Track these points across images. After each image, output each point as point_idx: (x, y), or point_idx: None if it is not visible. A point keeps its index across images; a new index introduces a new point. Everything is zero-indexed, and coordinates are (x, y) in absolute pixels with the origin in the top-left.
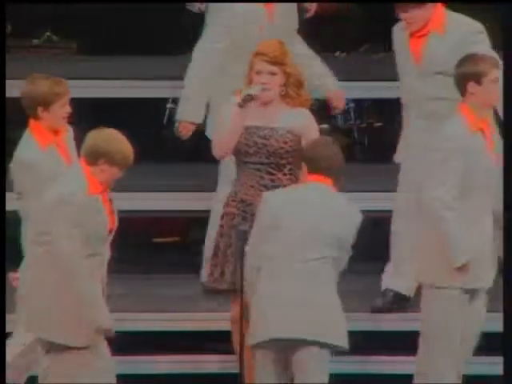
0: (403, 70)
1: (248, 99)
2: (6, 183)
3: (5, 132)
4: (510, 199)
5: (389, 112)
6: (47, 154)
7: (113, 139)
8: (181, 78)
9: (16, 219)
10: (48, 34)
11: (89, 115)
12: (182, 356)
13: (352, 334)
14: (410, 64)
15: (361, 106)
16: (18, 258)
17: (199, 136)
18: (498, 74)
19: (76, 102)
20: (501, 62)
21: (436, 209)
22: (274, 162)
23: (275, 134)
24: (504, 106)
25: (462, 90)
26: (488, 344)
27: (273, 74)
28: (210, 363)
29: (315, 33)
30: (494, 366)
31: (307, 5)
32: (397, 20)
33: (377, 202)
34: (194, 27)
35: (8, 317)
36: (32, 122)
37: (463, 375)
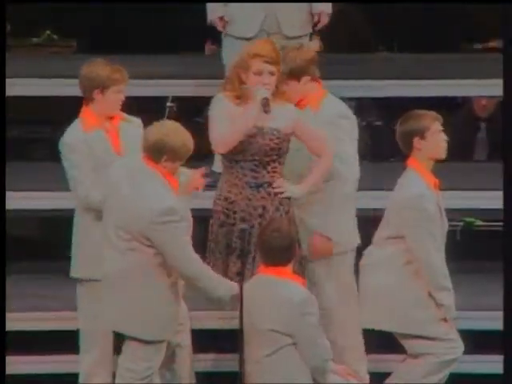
0: None
1: (266, 102)
2: (5, 183)
3: (5, 132)
4: (510, 196)
5: (389, 111)
6: (91, 137)
7: (175, 133)
8: (180, 76)
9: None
10: (48, 32)
11: None
12: None
13: None
14: None
15: (361, 104)
16: (19, 257)
17: (199, 135)
18: (439, 126)
19: (76, 101)
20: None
21: (437, 278)
22: (258, 159)
23: (261, 132)
24: (504, 106)
25: (407, 147)
26: (488, 342)
27: (272, 74)
28: (208, 361)
29: (314, 32)
30: (494, 364)
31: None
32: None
33: (376, 200)
34: (194, 26)
35: (8, 315)
36: (84, 107)
37: (464, 374)
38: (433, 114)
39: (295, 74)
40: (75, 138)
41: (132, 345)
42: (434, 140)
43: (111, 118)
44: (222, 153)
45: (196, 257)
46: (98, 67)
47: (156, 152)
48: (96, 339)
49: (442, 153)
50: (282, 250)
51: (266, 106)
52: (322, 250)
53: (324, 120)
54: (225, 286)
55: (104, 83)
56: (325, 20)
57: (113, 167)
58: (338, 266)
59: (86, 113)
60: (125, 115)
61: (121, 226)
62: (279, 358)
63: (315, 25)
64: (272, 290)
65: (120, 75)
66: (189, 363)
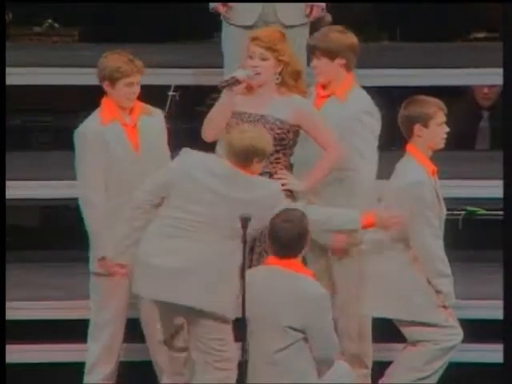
0: None
1: (232, 81)
2: (5, 172)
3: (5, 121)
4: (510, 198)
5: (390, 100)
6: (107, 129)
7: (259, 135)
8: (182, 65)
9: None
10: (50, 21)
11: (91, 102)
12: None
13: None
14: None
15: None
16: (19, 246)
17: (201, 124)
18: (443, 117)
19: (78, 89)
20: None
21: (435, 264)
22: None
23: (263, 120)
24: (504, 95)
25: (408, 132)
26: (488, 331)
27: (264, 58)
28: None
29: (316, 21)
30: (494, 353)
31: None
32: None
33: (377, 189)
34: (197, 15)
35: (8, 304)
36: (104, 97)
37: (464, 363)
38: (439, 103)
39: (331, 52)
40: (90, 130)
41: (207, 323)
42: (436, 130)
43: (131, 111)
44: (206, 139)
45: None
46: (110, 59)
47: (247, 157)
48: (106, 329)
49: (441, 144)
50: (292, 241)
51: (232, 84)
52: (344, 245)
53: (348, 113)
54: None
55: (112, 76)
56: (316, 12)
57: (187, 164)
58: (354, 255)
59: (106, 103)
60: (146, 107)
61: (226, 222)
62: (292, 353)
63: (307, 16)
64: (289, 285)
65: (131, 67)
66: None
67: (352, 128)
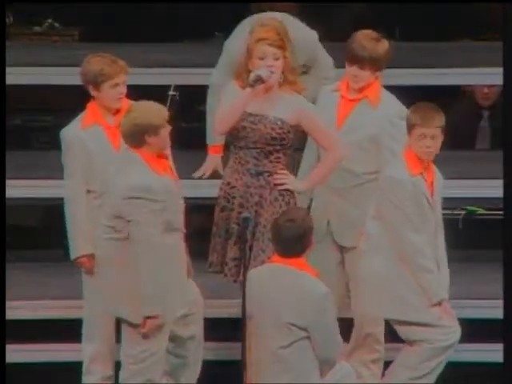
0: None
1: (258, 80)
2: (5, 171)
3: (5, 120)
4: (510, 197)
5: None
6: (87, 133)
7: (142, 110)
8: (182, 65)
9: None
10: (50, 21)
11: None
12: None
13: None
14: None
15: None
16: (19, 245)
17: (201, 124)
18: (425, 131)
19: (78, 89)
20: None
21: (416, 259)
22: (260, 147)
23: (264, 120)
24: (504, 95)
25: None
26: (488, 331)
27: (276, 58)
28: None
29: (315, 20)
30: (493, 353)
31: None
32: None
33: None
34: (196, 15)
35: (8, 303)
36: (91, 101)
37: (464, 362)
38: (424, 117)
39: (377, 65)
40: (70, 135)
41: (127, 330)
42: (416, 142)
43: (117, 112)
44: (219, 133)
45: (151, 236)
46: (92, 62)
47: (135, 136)
48: (97, 327)
49: (420, 155)
50: (295, 241)
51: (256, 81)
52: None
53: (382, 118)
54: None
55: (96, 79)
56: None
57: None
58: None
59: (91, 107)
60: None
61: (106, 212)
62: (295, 351)
63: None
64: (291, 283)
65: (114, 68)
66: (196, 353)
67: (388, 131)
